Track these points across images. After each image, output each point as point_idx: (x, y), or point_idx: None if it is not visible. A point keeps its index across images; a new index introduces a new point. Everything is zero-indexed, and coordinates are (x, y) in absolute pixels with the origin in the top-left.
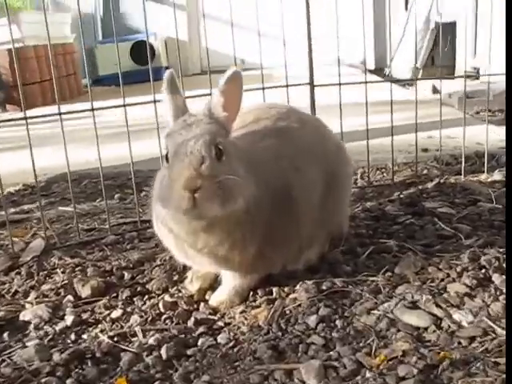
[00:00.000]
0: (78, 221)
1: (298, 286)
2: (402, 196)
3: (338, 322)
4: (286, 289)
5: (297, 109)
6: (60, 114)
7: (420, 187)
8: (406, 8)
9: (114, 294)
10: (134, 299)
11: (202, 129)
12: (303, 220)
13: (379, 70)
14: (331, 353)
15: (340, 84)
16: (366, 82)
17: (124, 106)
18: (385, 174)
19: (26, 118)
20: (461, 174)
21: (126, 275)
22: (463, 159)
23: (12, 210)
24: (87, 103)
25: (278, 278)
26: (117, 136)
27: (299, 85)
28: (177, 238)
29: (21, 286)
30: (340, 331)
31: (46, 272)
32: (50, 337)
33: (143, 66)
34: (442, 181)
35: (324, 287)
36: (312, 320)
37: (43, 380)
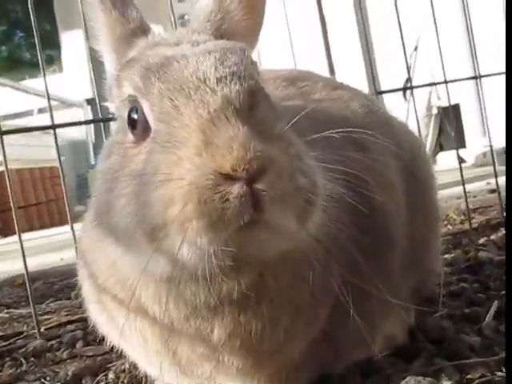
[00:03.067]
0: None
1: None
2: (493, 239)
3: None
4: None
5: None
6: None
7: None
8: (405, 98)
9: None
10: None
11: (221, 42)
12: (395, 260)
13: None
14: None
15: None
16: None
17: None
18: (449, 227)
19: None
20: None
21: None
22: None
23: None
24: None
25: (342, 376)
26: None
27: None
28: (157, 324)
29: None
30: None
31: None
32: None
33: None
34: None
35: (448, 382)
36: None
37: None
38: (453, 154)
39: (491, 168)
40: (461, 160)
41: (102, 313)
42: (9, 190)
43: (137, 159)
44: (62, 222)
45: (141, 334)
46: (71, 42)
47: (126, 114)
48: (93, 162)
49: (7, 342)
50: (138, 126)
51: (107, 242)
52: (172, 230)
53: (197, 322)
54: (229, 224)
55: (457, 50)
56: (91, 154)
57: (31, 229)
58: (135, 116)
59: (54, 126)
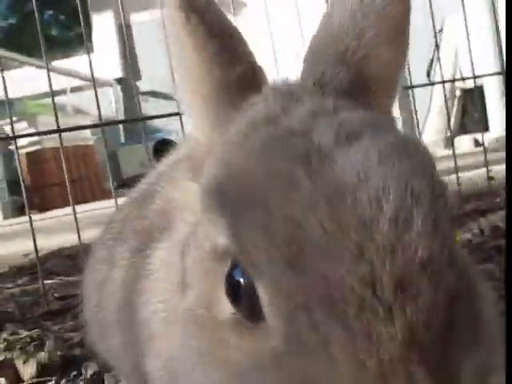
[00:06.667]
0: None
1: None
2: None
3: None
4: None
5: None
6: None
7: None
8: (429, 78)
9: (75, 372)
10: (106, 375)
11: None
12: None
13: None
14: None
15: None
16: None
17: None
18: None
19: None
20: None
21: None
22: None
23: None
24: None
25: None
26: None
27: None
28: None
29: None
30: None
31: None
32: None
33: None
34: None
35: None
36: None
37: None
38: (468, 137)
39: (500, 153)
40: (478, 144)
41: None
42: (64, 166)
43: (240, 357)
44: (95, 199)
45: None
46: (102, 22)
47: (223, 270)
48: (123, 141)
49: (65, 302)
50: (243, 297)
51: None
52: None
53: None
54: None
55: (482, 35)
56: (121, 132)
57: (66, 205)
58: (240, 279)
59: (101, 124)
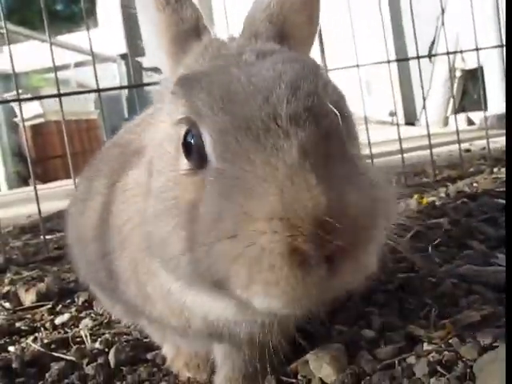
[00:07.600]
0: (56, 243)
1: None
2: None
3: None
4: None
5: None
6: None
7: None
8: (430, 59)
9: (69, 300)
10: (94, 303)
11: (289, 56)
12: None
13: (409, 125)
14: None
15: None
16: None
17: None
18: (424, 179)
19: None
20: None
21: None
22: None
23: None
24: None
25: None
26: None
27: None
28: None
29: None
30: None
31: None
32: None
33: None
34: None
35: None
36: None
37: None
38: (463, 116)
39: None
40: (470, 122)
41: None
42: (65, 135)
43: (192, 193)
44: None
45: None
46: None
47: (181, 134)
48: (126, 115)
49: (63, 250)
50: (193, 152)
51: (162, 273)
52: (237, 286)
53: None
54: (305, 289)
55: (483, 14)
56: (124, 106)
57: (68, 177)
58: (191, 141)
59: (99, 90)
